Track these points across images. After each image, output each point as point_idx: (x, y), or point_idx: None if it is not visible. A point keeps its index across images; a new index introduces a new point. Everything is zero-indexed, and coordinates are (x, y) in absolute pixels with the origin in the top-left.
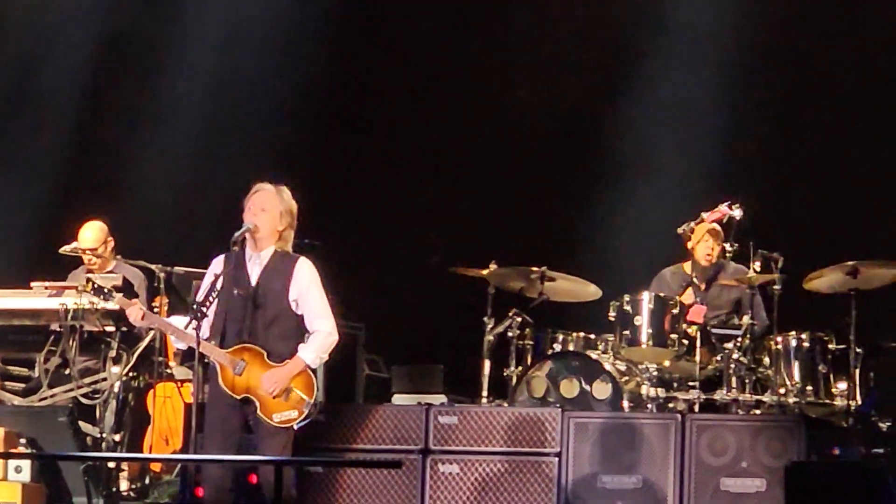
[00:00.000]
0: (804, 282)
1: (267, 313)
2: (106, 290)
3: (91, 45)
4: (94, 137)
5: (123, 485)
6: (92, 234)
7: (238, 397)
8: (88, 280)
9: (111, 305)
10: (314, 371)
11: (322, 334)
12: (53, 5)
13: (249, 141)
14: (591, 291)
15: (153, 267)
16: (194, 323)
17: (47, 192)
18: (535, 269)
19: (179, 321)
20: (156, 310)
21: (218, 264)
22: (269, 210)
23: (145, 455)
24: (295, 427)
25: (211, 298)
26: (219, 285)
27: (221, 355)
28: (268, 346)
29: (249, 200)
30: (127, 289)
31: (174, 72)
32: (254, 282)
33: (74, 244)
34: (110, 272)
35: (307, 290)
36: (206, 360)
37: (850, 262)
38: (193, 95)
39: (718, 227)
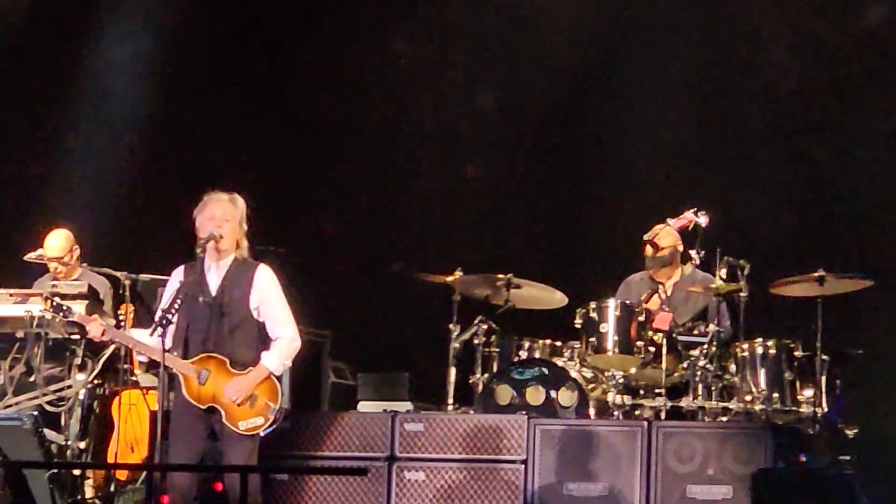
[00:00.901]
0: (771, 287)
1: (229, 322)
2: (65, 308)
3: (52, 50)
4: (60, 144)
5: (89, 492)
6: (58, 242)
7: (203, 407)
8: (47, 298)
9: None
10: (279, 377)
11: (285, 341)
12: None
13: (209, 147)
14: (558, 298)
15: (118, 274)
16: (159, 331)
17: (12, 198)
18: (500, 276)
19: (141, 334)
20: (121, 317)
21: (179, 274)
22: (230, 221)
23: (111, 463)
24: (261, 434)
25: (175, 307)
26: (181, 295)
27: (185, 366)
28: (231, 354)
29: (207, 210)
30: (92, 296)
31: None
32: (215, 291)
33: (40, 251)
34: (76, 280)
35: (268, 297)
36: (170, 369)
37: (817, 274)
38: (148, 103)
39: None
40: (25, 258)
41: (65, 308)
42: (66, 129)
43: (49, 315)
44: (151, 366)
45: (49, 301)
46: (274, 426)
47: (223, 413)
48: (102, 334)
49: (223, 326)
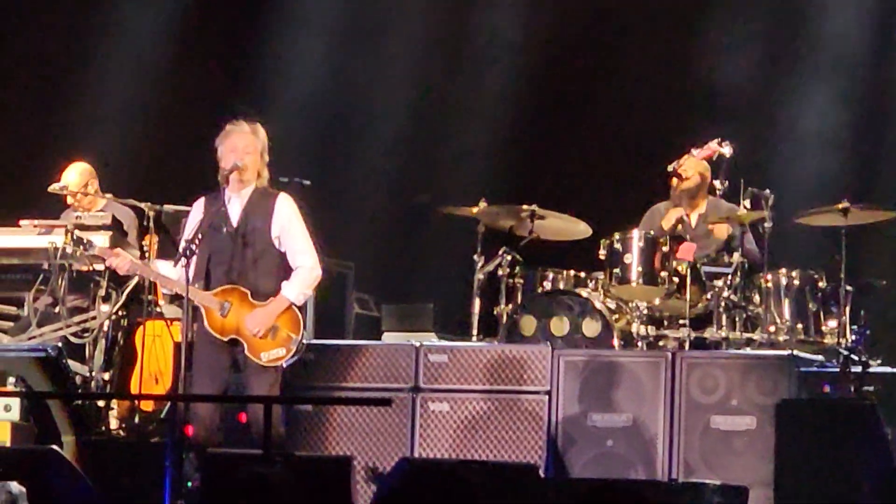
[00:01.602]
0: (795, 217)
1: (252, 252)
2: (85, 241)
3: None
4: (83, 75)
5: (113, 423)
6: (75, 175)
7: (225, 339)
8: (68, 231)
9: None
10: (302, 308)
11: (305, 269)
12: None
13: (232, 77)
14: (582, 229)
15: (143, 205)
16: (183, 262)
17: (37, 129)
18: (525, 207)
19: (165, 266)
20: (145, 248)
21: (200, 205)
22: (252, 152)
23: (134, 394)
24: (284, 365)
25: (198, 239)
26: (203, 226)
27: (207, 298)
28: (254, 285)
29: (229, 141)
30: (116, 228)
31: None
32: (236, 221)
33: (63, 183)
34: (101, 211)
35: (288, 226)
36: (193, 301)
37: (841, 206)
38: (171, 33)
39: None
40: (49, 189)
41: (85, 241)
42: (88, 61)
43: (70, 249)
44: (175, 297)
45: (70, 234)
46: (296, 357)
47: (245, 345)
48: (126, 267)
49: (246, 257)
